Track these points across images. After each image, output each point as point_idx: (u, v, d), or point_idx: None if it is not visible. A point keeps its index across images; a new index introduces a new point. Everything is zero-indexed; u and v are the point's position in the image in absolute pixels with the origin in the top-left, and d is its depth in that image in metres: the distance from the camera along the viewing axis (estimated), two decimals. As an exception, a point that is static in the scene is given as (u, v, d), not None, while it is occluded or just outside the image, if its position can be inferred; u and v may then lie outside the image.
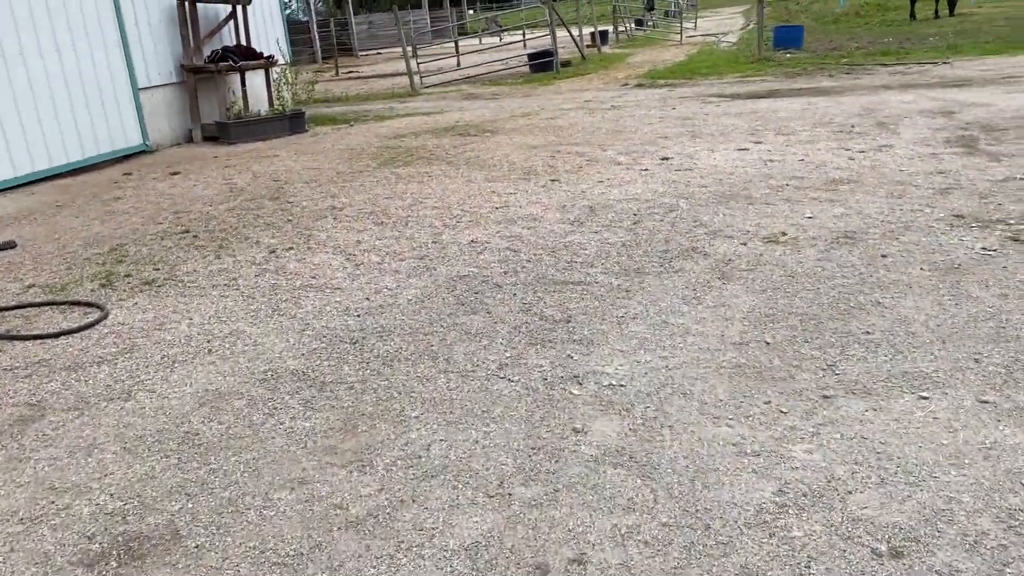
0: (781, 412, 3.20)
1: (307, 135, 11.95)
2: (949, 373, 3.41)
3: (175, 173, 9.39)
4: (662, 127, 10.04)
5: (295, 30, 35.53)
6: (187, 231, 6.69)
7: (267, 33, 13.68)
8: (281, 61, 13.40)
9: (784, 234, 5.43)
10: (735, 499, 2.68)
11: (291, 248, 6.01)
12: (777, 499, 2.67)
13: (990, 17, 21.78)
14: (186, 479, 3.07)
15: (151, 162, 10.37)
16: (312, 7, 36.46)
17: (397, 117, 13.61)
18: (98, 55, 10.13)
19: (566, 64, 19.81)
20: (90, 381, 4.02)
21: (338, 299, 4.91)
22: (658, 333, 4.03)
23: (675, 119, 10.60)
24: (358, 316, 4.62)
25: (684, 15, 30.25)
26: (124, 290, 5.37)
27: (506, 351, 3.98)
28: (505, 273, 5.13)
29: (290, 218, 6.87)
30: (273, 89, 12.58)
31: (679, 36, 26.11)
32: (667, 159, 8.08)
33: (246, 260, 5.80)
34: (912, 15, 22.56)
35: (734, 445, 2.99)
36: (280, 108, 12.31)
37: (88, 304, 5.11)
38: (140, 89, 10.77)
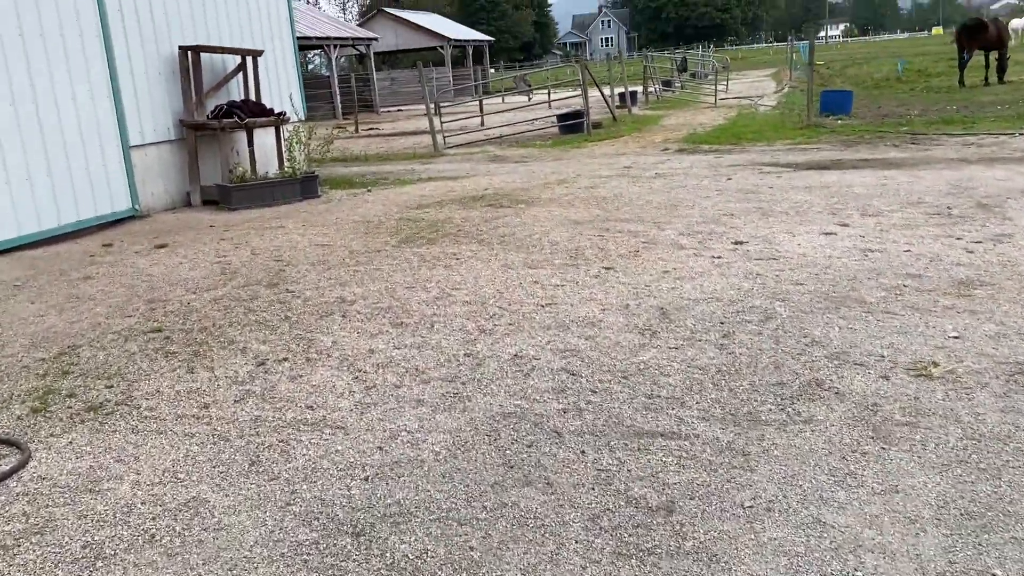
0: None
1: (319, 201, 10.74)
2: None
3: (162, 246, 8.15)
4: (723, 201, 8.76)
5: (316, 85, 34.93)
6: (159, 329, 5.40)
7: (280, 87, 12.56)
8: (294, 118, 12.27)
9: (935, 364, 4.08)
10: None
11: (285, 359, 4.71)
12: None
13: (1046, 84, 20.60)
14: None
15: (138, 230, 9.13)
16: (334, 62, 35.82)
17: (419, 181, 12.43)
18: (83, 107, 8.88)
19: (597, 126, 18.68)
20: (-38, 596, 2.70)
21: (340, 447, 3.60)
22: (814, 544, 2.67)
23: (735, 192, 9.33)
24: (366, 479, 3.30)
25: (717, 77, 29.24)
26: (60, 419, 4.07)
27: (585, 569, 2.63)
28: (565, 411, 3.81)
29: (288, 314, 5.58)
30: (284, 149, 11.42)
31: (713, 98, 25.06)
32: (741, 243, 6.78)
33: (226, 377, 4.50)
34: (961, 81, 21.41)
35: None
36: (291, 170, 11.13)
37: (4, 442, 3.80)
38: (131, 147, 9.54)
